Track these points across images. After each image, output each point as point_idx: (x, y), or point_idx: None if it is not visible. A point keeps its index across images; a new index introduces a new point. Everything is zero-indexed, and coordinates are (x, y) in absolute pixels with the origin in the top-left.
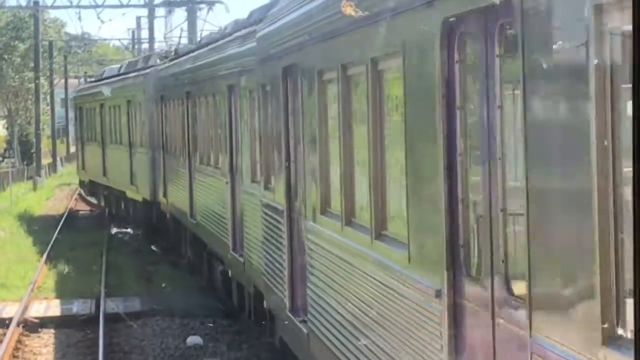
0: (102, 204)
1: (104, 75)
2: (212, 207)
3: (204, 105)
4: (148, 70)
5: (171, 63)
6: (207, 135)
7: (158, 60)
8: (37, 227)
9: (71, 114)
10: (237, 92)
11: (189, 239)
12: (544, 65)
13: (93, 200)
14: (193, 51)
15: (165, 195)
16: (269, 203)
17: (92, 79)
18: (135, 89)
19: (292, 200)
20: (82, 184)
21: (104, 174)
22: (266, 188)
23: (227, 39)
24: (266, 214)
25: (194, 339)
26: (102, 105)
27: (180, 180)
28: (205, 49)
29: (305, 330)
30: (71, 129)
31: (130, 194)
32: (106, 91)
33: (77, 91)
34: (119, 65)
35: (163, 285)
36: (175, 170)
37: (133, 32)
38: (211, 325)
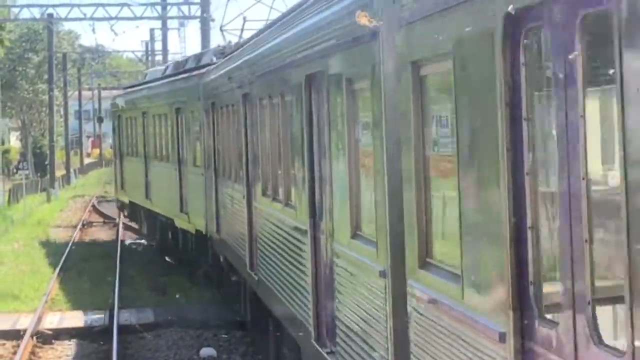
0: (145, 231)
1: (147, 79)
2: (283, 263)
3: (268, 110)
4: (204, 70)
5: (225, 59)
6: (273, 154)
7: (214, 58)
8: (50, 238)
9: (84, 126)
10: (323, 85)
11: (248, 296)
12: None
13: (134, 225)
14: (256, 36)
15: (218, 230)
16: (441, 301)
17: (134, 83)
18: (186, 94)
19: (529, 304)
20: (120, 205)
21: (147, 195)
22: (424, 266)
23: (304, 6)
24: (421, 313)
25: (207, 351)
26: (144, 114)
27: (236, 215)
28: (270, 29)
29: None
30: (84, 141)
31: (180, 223)
32: (149, 97)
33: (114, 97)
34: (163, 67)
35: (177, 296)
36: (229, 200)
37: (147, 44)
38: (225, 336)
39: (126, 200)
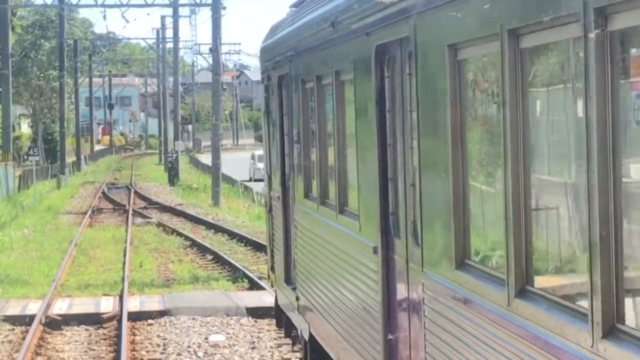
0: None
1: None
2: None
3: None
4: None
5: None
6: None
7: None
8: (60, 224)
9: (95, 113)
10: None
11: None
12: None
13: None
14: None
15: None
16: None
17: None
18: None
19: None
20: (278, 313)
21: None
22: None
23: None
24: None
25: (216, 337)
26: (342, 83)
27: None
28: None
29: None
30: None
31: None
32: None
33: (271, 30)
34: None
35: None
36: None
37: (158, 32)
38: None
39: (303, 323)
